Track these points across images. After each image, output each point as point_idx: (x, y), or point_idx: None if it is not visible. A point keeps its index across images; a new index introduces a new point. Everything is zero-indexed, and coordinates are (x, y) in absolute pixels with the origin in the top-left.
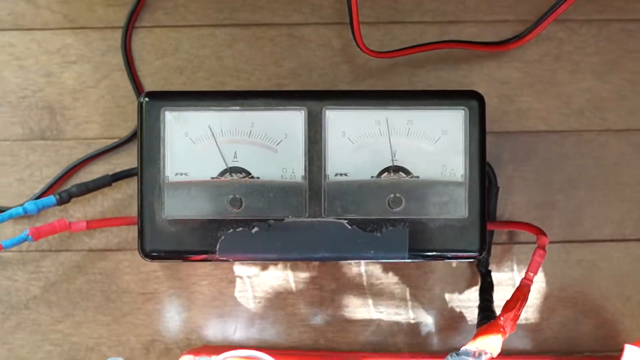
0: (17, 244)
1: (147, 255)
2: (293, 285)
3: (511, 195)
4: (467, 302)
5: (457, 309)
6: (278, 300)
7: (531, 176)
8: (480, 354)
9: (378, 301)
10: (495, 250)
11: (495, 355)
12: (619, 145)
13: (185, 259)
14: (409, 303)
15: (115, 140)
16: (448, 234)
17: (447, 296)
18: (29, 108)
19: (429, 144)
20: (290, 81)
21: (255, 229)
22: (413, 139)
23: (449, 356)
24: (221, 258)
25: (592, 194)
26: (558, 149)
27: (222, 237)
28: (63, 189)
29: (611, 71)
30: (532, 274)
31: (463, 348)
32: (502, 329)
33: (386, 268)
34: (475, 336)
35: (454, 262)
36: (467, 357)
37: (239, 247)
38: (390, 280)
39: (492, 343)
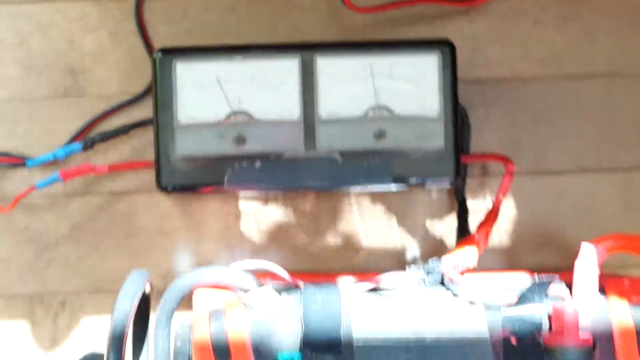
0: (49, 184)
1: (164, 189)
2: (292, 218)
3: (482, 134)
4: (447, 228)
5: (438, 235)
6: (279, 232)
7: (499, 117)
8: (458, 264)
9: (368, 230)
10: (470, 182)
11: (471, 266)
12: (576, 89)
13: (197, 192)
14: (395, 230)
15: (131, 96)
16: (427, 162)
17: (428, 223)
18: (54, 71)
19: (408, 85)
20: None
21: (258, 163)
22: (394, 81)
23: (430, 260)
24: (229, 190)
25: (554, 132)
26: (523, 93)
27: (229, 171)
28: (87, 137)
29: (569, 24)
30: (501, 196)
31: (443, 257)
32: (477, 243)
33: (374, 200)
34: (454, 248)
35: (434, 193)
36: (447, 264)
37: (244, 180)
38: (378, 211)
39: (468, 254)
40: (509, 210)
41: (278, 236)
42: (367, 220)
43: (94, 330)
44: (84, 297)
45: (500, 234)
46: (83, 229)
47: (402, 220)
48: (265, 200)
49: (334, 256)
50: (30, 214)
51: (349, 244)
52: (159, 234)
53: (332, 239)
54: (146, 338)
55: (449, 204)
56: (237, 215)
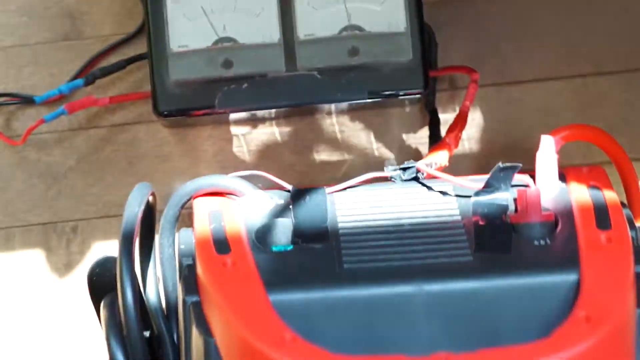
0: (56, 117)
1: (161, 114)
2: (279, 138)
3: (448, 51)
4: (421, 139)
5: (413, 146)
6: (268, 152)
7: (463, 35)
8: (431, 164)
9: (349, 145)
10: (440, 95)
11: (443, 165)
12: (533, 6)
13: (191, 115)
14: (374, 144)
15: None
16: (398, 75)
17: (404, 136)
18: (53, 16)
19: (377, 6)
20: None
21: (245, 84)
22: (363, 2)
23: (405, 162)
24: (219, 111)
25: (515, 46)
26: (484, 11)
27: (219, 94)
28: (88, 74)
29: None
30: (468, 103)
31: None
32: (447, 146)
33: (353, 118)
34: (428, 153)
35: (408, 108)
36: (422, 165)
37: (233, 100)
38: (357, 127)
39: (440, 155)
40: (477, 119)
41: (266, 156)
42: (347, 137)
43: (104, 253)
44: (94, 222)
45: (470, 142)
46: (89, 160)
47: (380, 135)
48: (253, 124)
49: (319, 171)
50: (40, 149)
51: (332, 160)
52: (159, 160)
53: (316, 156)
54: (153, 247)
55: (422, 117)
56: (229, 139)
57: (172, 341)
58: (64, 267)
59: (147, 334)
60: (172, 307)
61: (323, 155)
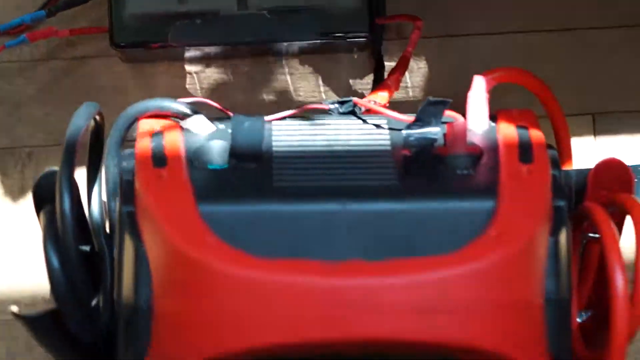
0: (17, 44)
1: (117, 45)
2: (231, 78)
3: (395, 3)
4: (367, 85)
5: (360, 91)
6: (219, 91)
7: None
8: (371, 102)
9: (297, 88)
10: (387, 45)
11: (383, 103)
12: None
13: (146, 47)
14: (322, 88)
15: None
16: (345, 17)
17: (351, 81)
18: None
19: None
20: None
21: (198, 20)
22: None
23: (344, 97)
24: (172, 44)
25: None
26: None
27: (173, 28)
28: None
29: None
30: (410, 49)
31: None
32: (388, 87)
33: (302, 62)
34: (369, 94)
35: (356, 55)
36: (359, 99)
37: (186, 35)
38: (306, 70)
39: (380, 96)
40: (422, 68)
41: (218, 94)
42: (297, 80)
43: None
44: (49, 149)
45: (415, 90)
46: (49, 90)
47: (328, 79)
48: (207, 63)
49: (268, 111)
50: (2, 77)
51: (282, 101)
52: (115, 93)
53: (265, 96)
54: (100, 169)
55: (369, 64)
56: (183, 76)
57: (112, 257)
58: (18, 190)
59: (88, 249)
60: (114, 225)
61: (272, 96)
